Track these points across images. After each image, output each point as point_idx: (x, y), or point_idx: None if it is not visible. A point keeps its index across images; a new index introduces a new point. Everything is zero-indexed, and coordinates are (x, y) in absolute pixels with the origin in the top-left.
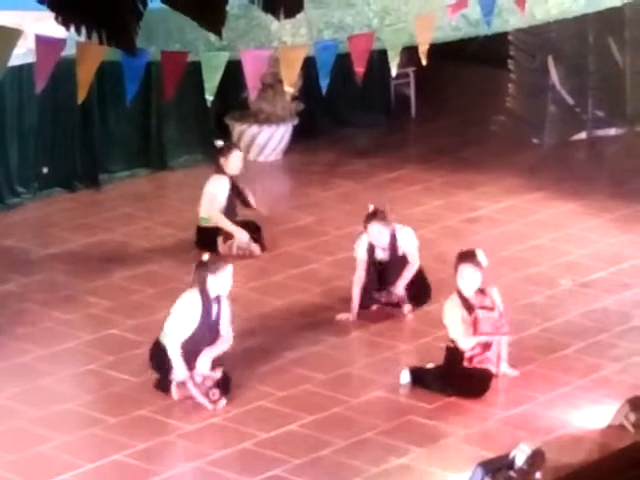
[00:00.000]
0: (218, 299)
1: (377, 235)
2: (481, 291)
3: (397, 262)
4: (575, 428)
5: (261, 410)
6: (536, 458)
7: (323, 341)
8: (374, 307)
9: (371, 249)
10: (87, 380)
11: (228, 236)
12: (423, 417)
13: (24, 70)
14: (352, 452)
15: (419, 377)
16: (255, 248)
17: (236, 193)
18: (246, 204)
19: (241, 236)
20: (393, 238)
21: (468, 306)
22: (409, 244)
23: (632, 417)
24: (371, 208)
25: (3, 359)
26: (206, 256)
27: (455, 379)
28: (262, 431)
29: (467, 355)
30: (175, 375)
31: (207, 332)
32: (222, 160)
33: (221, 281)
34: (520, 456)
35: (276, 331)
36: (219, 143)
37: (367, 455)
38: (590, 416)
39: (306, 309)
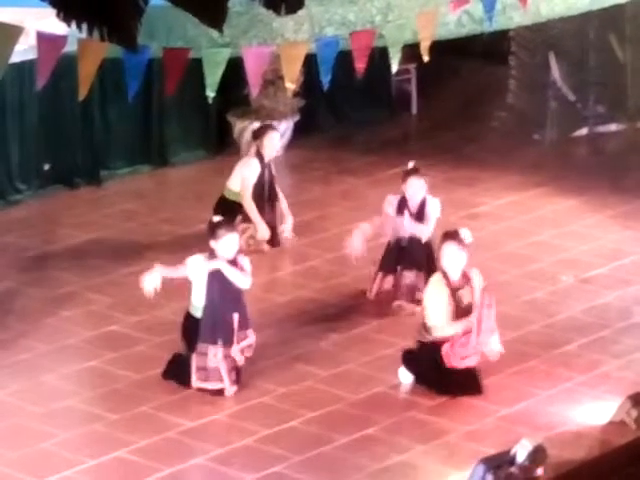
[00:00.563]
0: (232, 261)
1: (415, 189)
2: (463, 274)
3: (417, 245)
4: (576, 424)
5: (263, 407)
6: (537, 454)
7: (324, 338)
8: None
9: (401, 208)
10: (88, 377)
11: (246, 219)
12: (424, 414)
13: (25, 67)
14: (353, 449)
15: (415, 372)
16: (265, 246)
17: (267, 180)
18: (272, 204)
19: (262, 232)
20: (423, 200)
21: (451, 288)
22: (433, 212)
23: (633, 413)
24: (411, 164)
25: (4, 356)
26: (216, 218)
27: (447, 386)
28: (263, 428)
29: (444, 351)
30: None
31: (227, 295)
32: (258, 143)
33: (222, 247)
34: (521, 452)
35: (277, 327)
36: (255, 125)
37: (369, 452)
38: (591, 412)
39: (307, 305)
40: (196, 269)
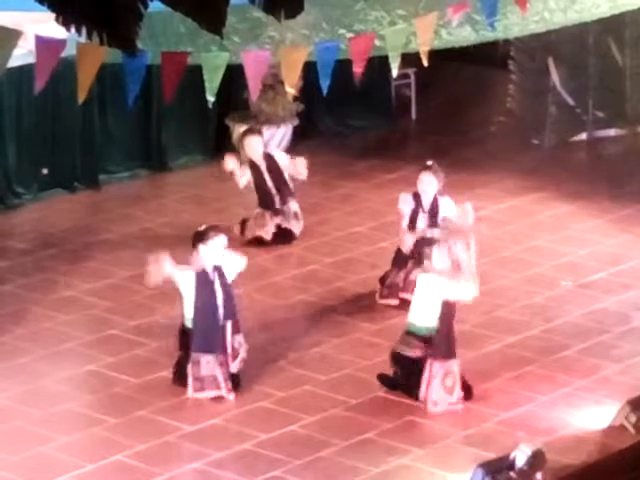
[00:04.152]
0: (217, 269)
1: (427, 184)
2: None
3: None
4: (576, 429)
5: (261, 411)
6: (537, 459)
7: (323, 342)
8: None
9: (416, 206)
10: (87, 381)
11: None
12: (423, 418)
13: (24, 71)
14: (352, 453)
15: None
16: (266, 232)
17: (271, 179)
18: (284, 200)
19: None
20: (435, 199)
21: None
22: (449, 209)
23: (633, 418)
24: (429, 163)
25: (3, 360)
26: (203, 227)
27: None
28: (262, 432)
29: (422, 395)
30: None
31: (216, 303)
32: (241, 145)
33: (212, 250)
34: (520, 457)
35: (276, 332)
36: (242, 128)
37: (367, 456)
38: (591, 417)
39: (306, 310)
40: (187, 283)
